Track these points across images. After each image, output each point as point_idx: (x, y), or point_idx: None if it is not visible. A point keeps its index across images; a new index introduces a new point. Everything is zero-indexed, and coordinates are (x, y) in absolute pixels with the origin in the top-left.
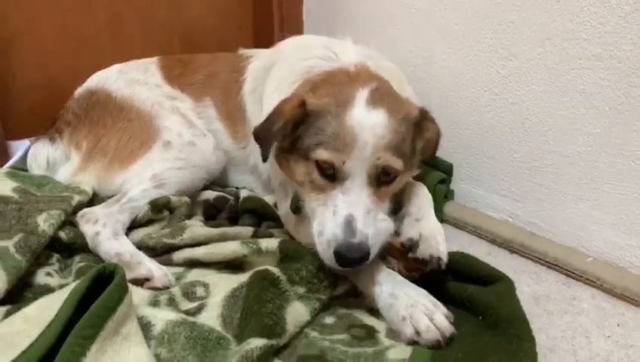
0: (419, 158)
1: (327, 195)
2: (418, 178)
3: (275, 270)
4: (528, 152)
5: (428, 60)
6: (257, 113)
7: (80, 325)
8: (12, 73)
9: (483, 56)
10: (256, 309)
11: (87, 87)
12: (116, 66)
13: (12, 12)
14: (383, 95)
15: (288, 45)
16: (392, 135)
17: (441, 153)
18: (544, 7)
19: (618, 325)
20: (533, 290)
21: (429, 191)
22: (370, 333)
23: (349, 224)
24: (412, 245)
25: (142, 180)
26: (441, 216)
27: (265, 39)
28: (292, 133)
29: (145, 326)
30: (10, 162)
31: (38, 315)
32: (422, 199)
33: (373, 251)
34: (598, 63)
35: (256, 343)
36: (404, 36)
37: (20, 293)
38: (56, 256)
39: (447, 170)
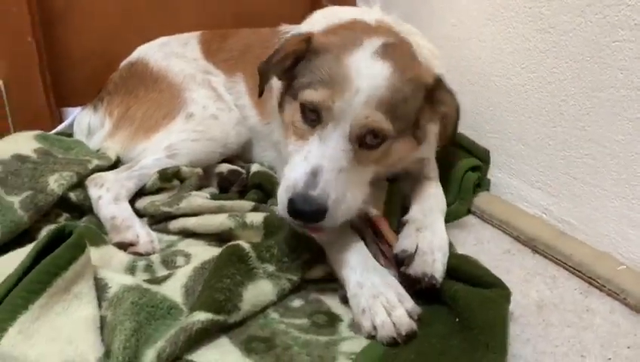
0: (424, 133)
1: (304, 142)
2: (448, 163)
3: (246, 246)
4: (564, 139)
5: (468, 35)
6: (279, 84)
7: (26, 280)
8: (67, 42)
9: (521, 29)
10: (212, 283)
11: (130, 58)
12: (159, 39)
13: None
14: (396, 51)
15: (319, 15)
16: (390, 92)
17: (477, 137)
18: None
19: (628, 347)
20: (541, 297)
21: (458, 178)
22: (332, 322)
23: (315, 175)
24: (405, 258)
25: (157, 150)
26: (467, 208)
27: None
28: (291, 69)
29: (102, 288)
30: (60, 127)
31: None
32: (431, 203)
33: (334, 216)
34: None
35: (199, 317)
36: (444, 7)
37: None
38: (65, 215)
39: (482, 156)
